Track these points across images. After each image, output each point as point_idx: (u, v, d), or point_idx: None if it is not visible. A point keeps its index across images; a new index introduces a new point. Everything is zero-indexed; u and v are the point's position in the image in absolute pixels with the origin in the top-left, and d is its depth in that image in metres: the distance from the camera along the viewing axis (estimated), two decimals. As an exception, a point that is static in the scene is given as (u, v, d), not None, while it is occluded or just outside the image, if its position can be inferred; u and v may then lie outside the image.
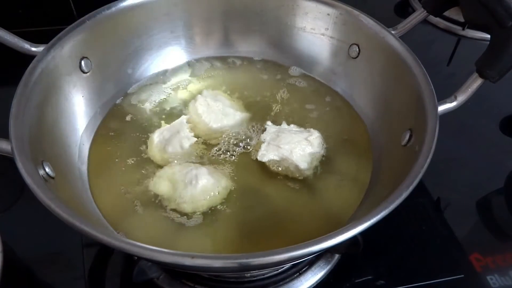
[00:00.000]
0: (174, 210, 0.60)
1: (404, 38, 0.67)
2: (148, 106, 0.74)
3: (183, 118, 0.69)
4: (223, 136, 0.69)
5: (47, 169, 0.54)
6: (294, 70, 0.81)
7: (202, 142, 0.68)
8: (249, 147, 0.68)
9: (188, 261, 0.40)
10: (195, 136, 0.67)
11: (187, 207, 0.59)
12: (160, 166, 0.65)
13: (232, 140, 0.68)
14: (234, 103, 0.74)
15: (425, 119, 0.55)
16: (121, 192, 0.62)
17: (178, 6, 0.77)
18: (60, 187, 0.55)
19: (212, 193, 0.60)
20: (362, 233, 0.43)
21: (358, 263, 0.63)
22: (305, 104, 0.76)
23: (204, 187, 0.60)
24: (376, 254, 0.64)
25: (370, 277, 0.62)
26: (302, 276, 0.60)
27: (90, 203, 0.60)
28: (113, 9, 0.71)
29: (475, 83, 0.58)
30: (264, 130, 0.69)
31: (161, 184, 0.62)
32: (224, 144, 0.68)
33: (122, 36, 0.74)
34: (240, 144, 0.68)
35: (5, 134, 0.51)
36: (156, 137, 0.67)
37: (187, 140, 0.66)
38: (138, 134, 0.70)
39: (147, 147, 0.67)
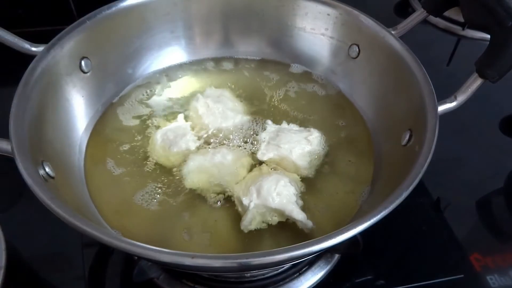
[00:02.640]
0: (217, 193, 0.62)
1: (404, 38, 0.67)
2: (148, 105, 0.74)
3: (182, 119, 0.70)
4: (221, 135, 0.69)
5: (47, 169, 0.54)
6: (295, 68, 0.81)
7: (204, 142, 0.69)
8: (250, 146, 0.68)
9: (188, 261, 0.41)
10: (194, 134, 0.68)
11: (235, 186, 0.61)
12: (161, 165, 0.65)
13: (231, 140, 0.69)
14: (236, 103, 0.74)
15: (425, 119, 0.55)
16: (120, 192, 0.62)
17: (178, 6, 0.77)
18: (60, 187, 0.55)
19: (240, 163, 0.63)
20: (362, 233, 0.43)
21: (358, 263, 0.63)
22: (305, 103, 0.76)
23: (233, 159, 0.63)
24: (376, 254, 0.64)
25: (370, 277, 0.62)
26: (302, 276, 0.60)
27: (89, 203, 0.60)
28: (113, 9, 0.70)
29: (475, 83, 0.58)
30: (265, 129, 0.69)
31: (195, 178, 0.62)
32: (222, 143, 0.68)
33: (122, 36, 0.74)
34: (240, 144, 0.68)
35: (5, 134, 0.51)
36: (159, 137, 0.67)
37: (193, 142, 0.66)
38: (137, 133, 0.70)
39: (147, 146, 0.68)
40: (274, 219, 0.58)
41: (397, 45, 0.65)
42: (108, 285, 0.62)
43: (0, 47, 0.63)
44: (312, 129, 0.68)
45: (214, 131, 0.69)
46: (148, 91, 0.76)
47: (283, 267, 0.60)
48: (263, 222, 0.58)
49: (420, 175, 0.48)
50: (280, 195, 0.57)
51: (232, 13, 0.80)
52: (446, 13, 0.77)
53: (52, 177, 0.54)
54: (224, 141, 0.68)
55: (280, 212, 0.58)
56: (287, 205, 0.57)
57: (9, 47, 0.63)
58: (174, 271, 0.60)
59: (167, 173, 0.64)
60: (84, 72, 0.69)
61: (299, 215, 0.57)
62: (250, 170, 0.64)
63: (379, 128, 0.69)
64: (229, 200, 0.61)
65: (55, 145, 0.61)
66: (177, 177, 0.63)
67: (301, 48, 0.80)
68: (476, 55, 0.57)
